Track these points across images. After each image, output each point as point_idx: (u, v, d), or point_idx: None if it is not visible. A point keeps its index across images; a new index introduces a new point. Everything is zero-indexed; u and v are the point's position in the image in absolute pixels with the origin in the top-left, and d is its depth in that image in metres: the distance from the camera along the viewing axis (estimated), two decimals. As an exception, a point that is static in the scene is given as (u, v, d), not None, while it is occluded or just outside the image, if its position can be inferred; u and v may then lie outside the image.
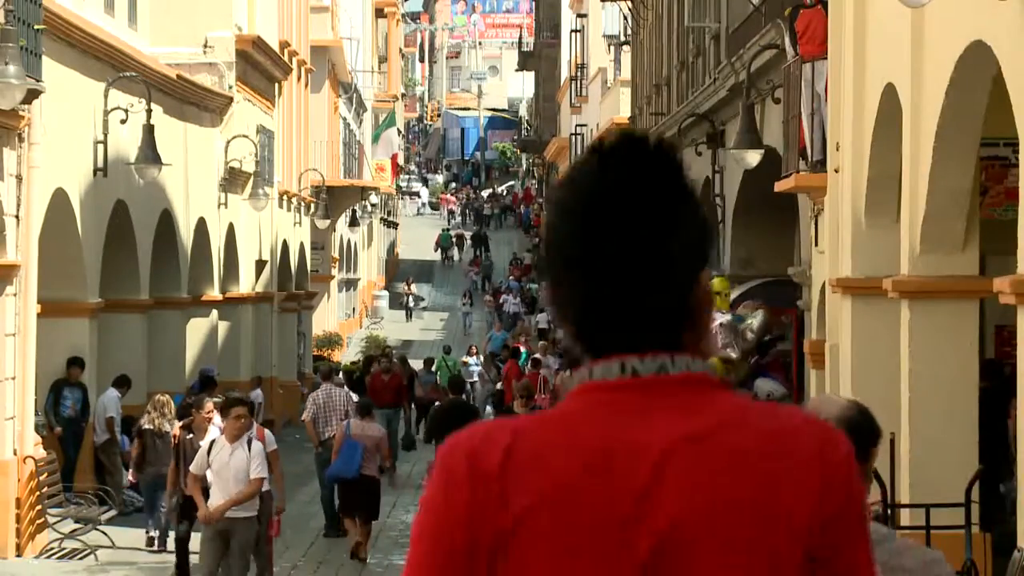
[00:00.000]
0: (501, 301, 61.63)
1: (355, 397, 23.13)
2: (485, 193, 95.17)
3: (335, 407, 22.09)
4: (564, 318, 2.40)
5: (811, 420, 2.38)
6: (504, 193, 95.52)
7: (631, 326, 2.36)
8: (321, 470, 21.61)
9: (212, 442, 14.60)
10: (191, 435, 16.55)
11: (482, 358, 41.55)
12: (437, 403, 23.29)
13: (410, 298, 63.50)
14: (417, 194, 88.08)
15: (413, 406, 30.69)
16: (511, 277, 68.99)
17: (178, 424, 17.81)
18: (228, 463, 14.25)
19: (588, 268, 2.35)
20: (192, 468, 14.81)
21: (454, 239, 79.31)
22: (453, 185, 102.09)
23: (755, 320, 20.76)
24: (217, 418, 16.56)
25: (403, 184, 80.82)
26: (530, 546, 2.30)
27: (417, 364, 37.92)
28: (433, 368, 36.79)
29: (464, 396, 31.33)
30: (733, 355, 19.92)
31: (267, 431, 16.08)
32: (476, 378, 39.66)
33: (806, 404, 5.23)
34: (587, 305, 2.37)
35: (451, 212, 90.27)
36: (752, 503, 2.30)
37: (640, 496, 2.29)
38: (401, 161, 74.58)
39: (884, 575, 3.97)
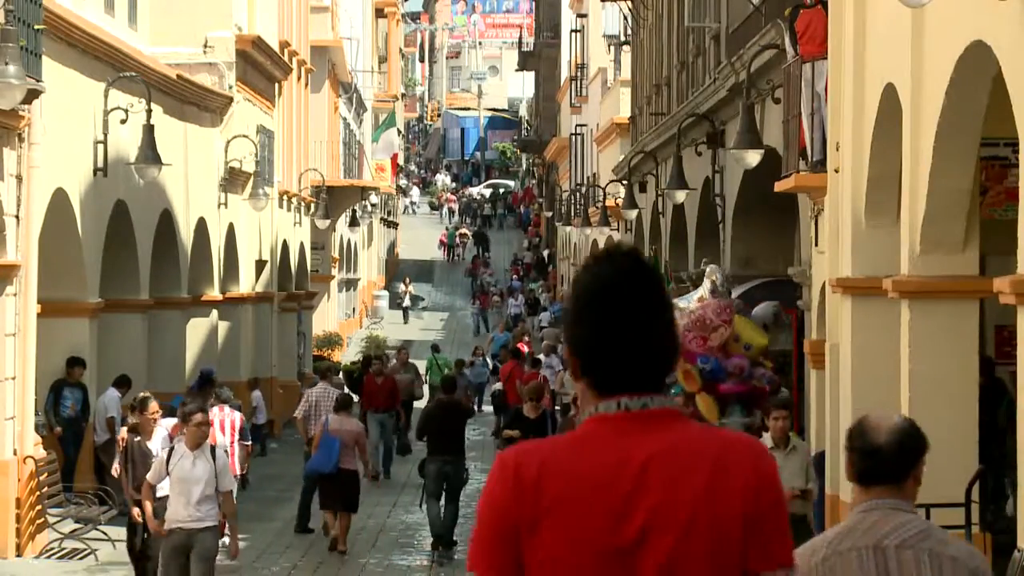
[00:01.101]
0: (497, 301, 61.82)
1: (355, 397, 23.21)
2: (486, 192, 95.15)
3: (327, 406, 22.18)
4: (578, 362, 3.66)
5: (746, 438, 3.68)
6: (501, 192, 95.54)
7: (625, 375, 3.62)
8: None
9: (171, 450, 13.99)
10: (138, 437, 16.02)
11: (488, 359, 41.46)
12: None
13: (407, 297, 63.37)
14: (404, 192, 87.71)
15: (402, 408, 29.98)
16: (513, 277, 68.98)
17: (123, 428, 17.48)
18: (191, 472, 13.70)
19: (599, 332, 3.62)
20: (149, 477, 14.20)
21: (459, 238, 79.47)
22: (453, 185, 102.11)
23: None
24: (165, 420, 16.39)
25: (402, 183, 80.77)
26: (551, 528, 3.57)
27: (420, 365, 37.98)
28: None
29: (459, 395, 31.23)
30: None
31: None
32: (486, 379, 39.58)
33: (858, 417, 5.68)
34: (596, 358, 3.63)
35: (451, 211, 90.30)
36: (707, 494, 3.54)
37: (628, 494, 3.54)
38: (401, 161, 74.52)
39: (935, 560, 5.13)
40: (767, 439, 13.80)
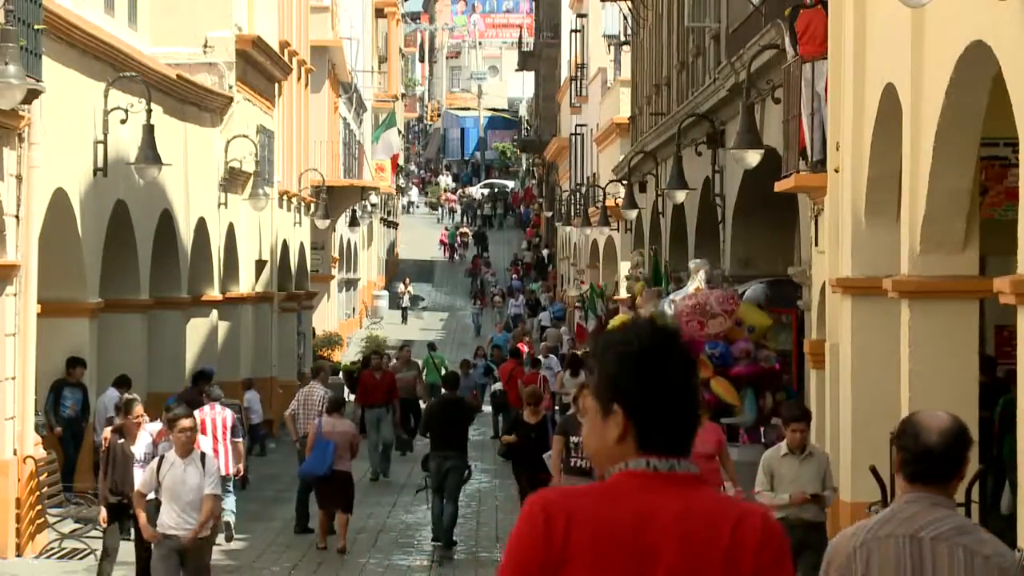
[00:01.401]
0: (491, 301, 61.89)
1: (349, 396, 23.24)
2: (484, 191, 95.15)
3: (315, 404, 22.24)
4: (626, 420, 3.94)
5: (754, 507, 4.02)
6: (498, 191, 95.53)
7: (662, 437, 3.94)
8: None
9: (161, 458, 13.75)
10: (122, 440, 15.90)
11: (489, 360, 41.50)
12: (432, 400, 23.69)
13: (406, 297, 63.25)
14: (402, 191, 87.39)
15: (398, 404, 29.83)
16: (514, 277, 68.96)
17: (108, 428, 17.33)
18: (183, 481, 13.45)
19: (652, 396, 3.92)
20: (140, 486, 13.99)
21: (459, 237, 79.48)
22: (454, 185, 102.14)
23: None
24: (150, 425, 16.27)
25: (401, 183, 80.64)
26: (574, 574, 3.85)
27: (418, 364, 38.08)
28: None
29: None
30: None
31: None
32: (486, 380, 39.63)
33: (905, 417, 6.27)
34: (645, 418, 3.92)
35: (451, 211, 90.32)
36: (720, 549, 3.89)
37: (650, 547, 3.87)
38: (401, 161, 74.48)
39: (968, 556, 5.43)
40: (782, 446, 13.68)
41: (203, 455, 13.76)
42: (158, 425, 15.93)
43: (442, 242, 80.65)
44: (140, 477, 14.27)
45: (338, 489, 19.70)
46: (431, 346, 41.92)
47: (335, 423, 20.07)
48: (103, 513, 16.02)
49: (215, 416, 19.86)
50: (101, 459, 16.32)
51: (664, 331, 3.97)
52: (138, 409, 16.07)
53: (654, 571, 3.86)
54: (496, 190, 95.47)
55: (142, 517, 13.96)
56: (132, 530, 15.68)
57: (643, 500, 3.88)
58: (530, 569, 3.86)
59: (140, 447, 15.78)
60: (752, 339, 20.04)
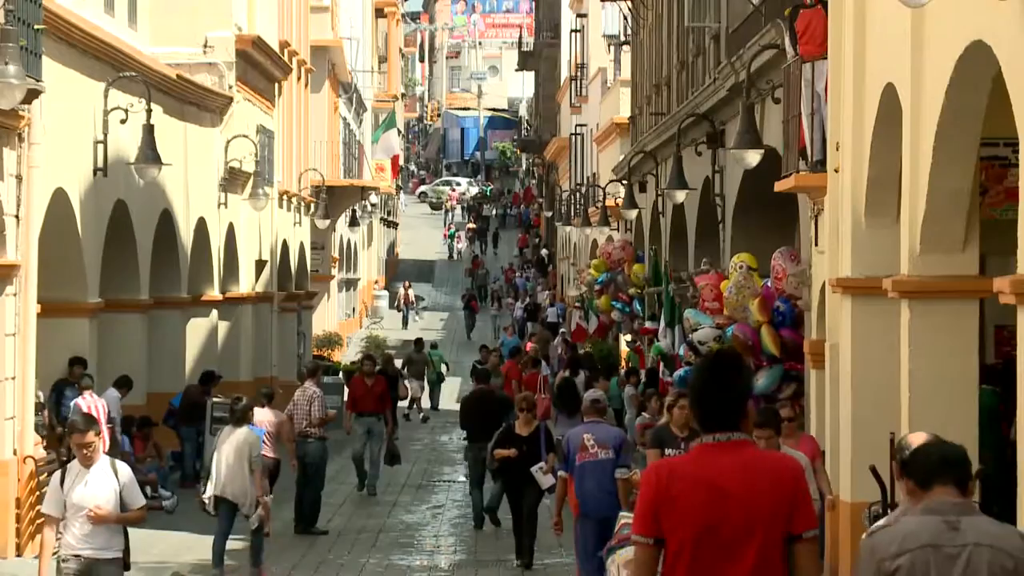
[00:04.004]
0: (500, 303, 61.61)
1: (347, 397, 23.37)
2: (472, 190, 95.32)
3: (302, 403, 22.33)
4: (696, 418, 6.55)
5: (787, 458, 6.72)
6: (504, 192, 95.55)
7: (719, 422, 6.46)
8: (300, 464, 21.86)
9: (64, 471, 12.07)
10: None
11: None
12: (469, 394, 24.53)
13: (408, 307, 62.63)
14: (400, 191, 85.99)
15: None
16: (517, 276, 68.89)
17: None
18: (87, 494, 11.78)
19: (705, 398, 6.51)
20: (46, 508, 12.09)
21: (460, 236, 79.56)
22: (463, 183, 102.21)
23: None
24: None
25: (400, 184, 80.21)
26: (676, 507, 6.36)
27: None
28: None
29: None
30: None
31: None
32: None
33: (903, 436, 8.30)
34: (704, 413, 6.50)
35: (451, 210, 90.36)
36: (770, 489, 6.36)
37: (722, 490, 6.35)
38: (401, 162, 74.46)
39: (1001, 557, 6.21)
40: None
41: (113, 463, 12.03)
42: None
43: (445, 236, 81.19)
44: (46, 497, 12.40)
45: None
46: (433, 345, 42.21)
47: (264, 412, 21.15)
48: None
49: (92, 404, 20.02)
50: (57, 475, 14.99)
51: (717, 355, 6.67)
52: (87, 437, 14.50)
53: (726, 502, 6.31)
54: (489, 191, 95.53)
55: (48, 542, 11.99)
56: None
57: (716, 461, 6.40)
58: (650, 508, 6.42)
59: (58, 474, 13.96)
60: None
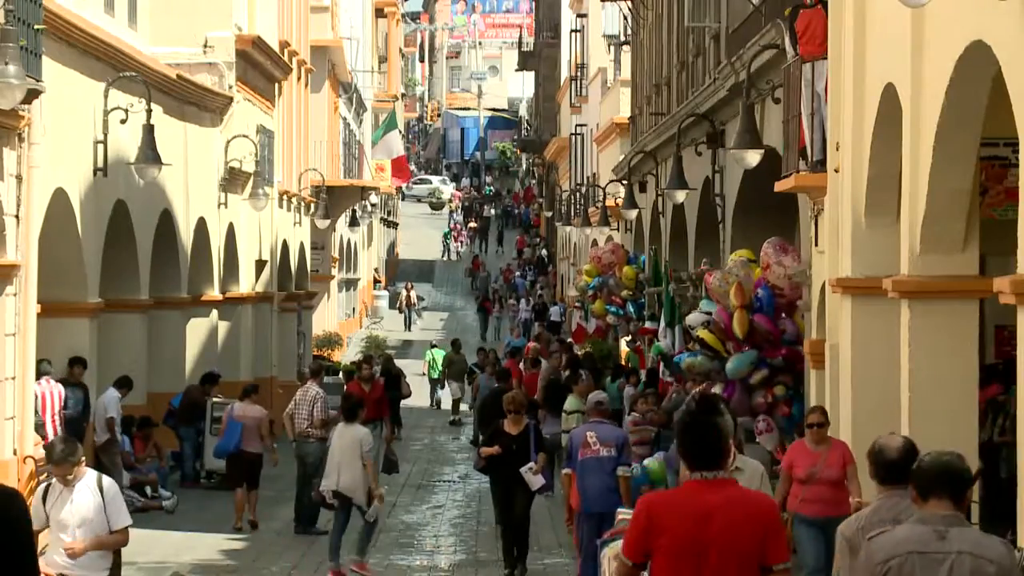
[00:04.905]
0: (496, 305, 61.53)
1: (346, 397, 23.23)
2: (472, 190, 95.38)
3: (307, 404, 22.33)
4: (683, 457, 7.49)
5: (764, 496, 8.36)
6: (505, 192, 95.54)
7: (705, 462, 7.35)
8: (300, 464, 21.78)
9: (47, 488, 11.48)
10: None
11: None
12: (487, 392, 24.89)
13: (410, 307, 62.45)
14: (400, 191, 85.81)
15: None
16: (517, 275, 68.87)
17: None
18: (69, 512, 11.28)
19: (692, 442, 7.42)
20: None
21: (459, 235, 79.61)
22: (454, 184, 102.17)
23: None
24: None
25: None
26: (661, 539, 7.29)
27: (418, 364, 38.14)
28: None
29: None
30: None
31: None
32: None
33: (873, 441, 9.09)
34: (691, 454, 7.41)
35: (455, 211, 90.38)
36: (748, 523, 7.30)
37: (704, 517, 7.25)
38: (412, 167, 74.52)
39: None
40: None
41: (99, 480, 11.40)
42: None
43: (446, 235, 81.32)
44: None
45: (246, 468, 21.73)
46: (432, 344, 42.26)
47: (246, 408, 22.03)
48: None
49: (44, 391, 20.04)
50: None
51: (700, 402, 7.55)
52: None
53: (710, 530, 7.15)
54: (488, 192, 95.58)
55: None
56: None
57: (700, 497, 7.25)
58: (642, 531, 7.33)
59: (42, 490, 12.32)
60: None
